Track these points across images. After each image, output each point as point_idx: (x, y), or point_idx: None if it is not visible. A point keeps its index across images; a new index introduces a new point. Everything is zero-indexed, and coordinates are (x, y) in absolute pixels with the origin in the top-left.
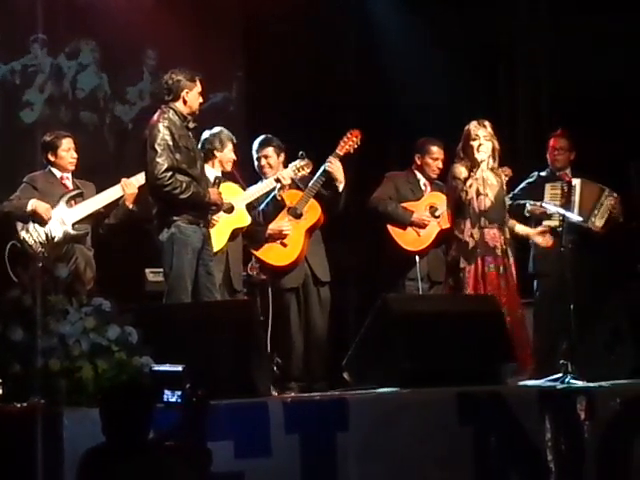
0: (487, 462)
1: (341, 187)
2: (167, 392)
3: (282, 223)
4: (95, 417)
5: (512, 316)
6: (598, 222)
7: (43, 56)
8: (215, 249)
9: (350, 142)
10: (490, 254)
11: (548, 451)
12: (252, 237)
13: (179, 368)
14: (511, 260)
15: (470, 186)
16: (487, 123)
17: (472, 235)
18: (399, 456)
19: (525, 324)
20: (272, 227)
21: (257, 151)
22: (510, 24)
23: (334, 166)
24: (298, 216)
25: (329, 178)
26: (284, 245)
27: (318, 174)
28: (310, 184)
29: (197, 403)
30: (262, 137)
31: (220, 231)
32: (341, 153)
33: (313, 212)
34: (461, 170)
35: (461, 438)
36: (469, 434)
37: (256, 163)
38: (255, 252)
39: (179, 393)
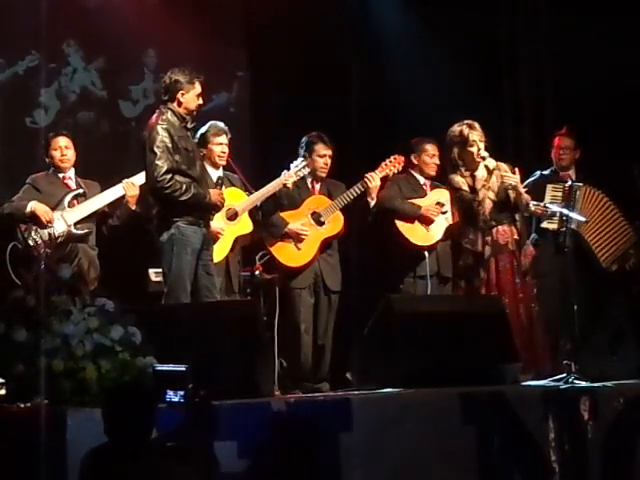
0: (490, 462)
1: (372, 203)
2: (170, 392)
3: (301, 226)
4: (98, 417)
5: (528, 312)
6: (614, 267)
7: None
8: (218, 259)
9: (392, 167)
10: (503, 252)
11: (551, 451)
12: (271, 231)
13: (182, 368)
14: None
15: (484, 198)
16: (476, 124)
17: (487, 243)
18: (402, 456)
19: (540, 319)
20: (291, 227)
21: (321, 149)
22: (512, 23)
23: (375, 183)
24: (320, 223)
25: (363, 192)
26: (298, 248)
27: (353, 187)
28: (341, 195)
29: (200, 403)
30: (321, 134)
31: (224, 241)
32: (380, 175)
33: (335, 224)
34: (460, 181)
35: (464, 438)
36: (472, 434)
37: (320, 161)
38: (269, 247)
39: (182, 393)
